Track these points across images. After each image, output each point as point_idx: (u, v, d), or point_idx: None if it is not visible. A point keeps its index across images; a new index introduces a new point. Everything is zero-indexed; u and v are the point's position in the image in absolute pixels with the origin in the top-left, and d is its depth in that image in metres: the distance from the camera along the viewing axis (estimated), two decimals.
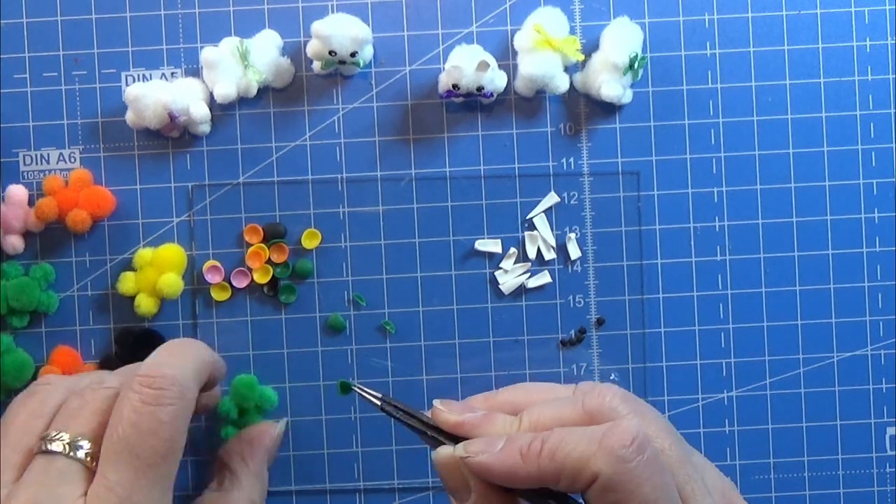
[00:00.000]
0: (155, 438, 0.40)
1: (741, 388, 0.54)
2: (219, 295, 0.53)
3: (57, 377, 0.48)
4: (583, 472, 0.37)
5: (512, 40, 0.52)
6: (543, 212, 0.53)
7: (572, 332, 0.54)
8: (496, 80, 0.52)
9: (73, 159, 0.53)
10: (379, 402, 0.44)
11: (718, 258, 0.54)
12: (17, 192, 0.53)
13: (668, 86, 0.54)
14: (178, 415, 0.41)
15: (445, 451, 0.40)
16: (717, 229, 0.54)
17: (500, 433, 0.40)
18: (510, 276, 0.53)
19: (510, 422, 0.41)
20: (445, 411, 0.42)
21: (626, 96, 0.53)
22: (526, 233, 0.54)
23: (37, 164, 0.53)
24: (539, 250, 0.53)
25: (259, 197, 0.53)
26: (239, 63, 0.52)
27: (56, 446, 0.41)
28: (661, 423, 0.40)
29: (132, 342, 0.52)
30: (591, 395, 0.40)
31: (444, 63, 0.52)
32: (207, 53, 0.51)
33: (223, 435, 0.52)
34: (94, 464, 0.41)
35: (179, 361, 0.43)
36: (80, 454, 0.41)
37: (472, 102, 0.53)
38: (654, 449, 0.38)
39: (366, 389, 0.44)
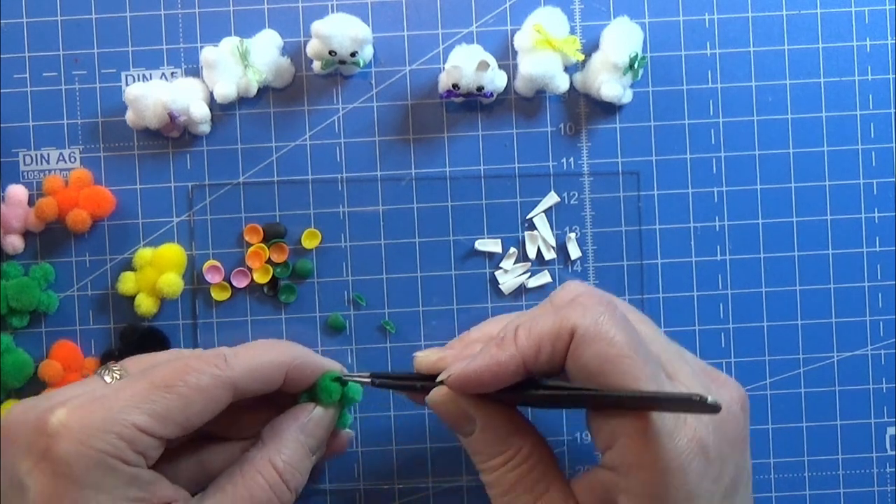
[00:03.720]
0: (184, 384, 0.41)
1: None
2: (219, 295, 0.53)
3: None
4: (560, 333, 0.39)
5: (512, 40, 0.52)
6: (543, 212, 0.53)
7: None
8: (496, 80, 0.52)
9: (73, 159, 0.53)
10: (369, 380, 0.46)
11: (718, 258, 0.54)
12: (17, 192, 0.53)
13: (668, 86, 0.54)
14: (214, 384, 0.42)
15: (436, 390, 0.42)
16: (717, 229, 0.54)
17: None
18: (510, 276, 0.53)
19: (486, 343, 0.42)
20: (423, 356, 0.44)
21: (626, 96, 0.53)
22: (526, 233, 0.54)
23: (37, 164, 0.53)
24: (539, 250, 0.53)
25: (259, 197, 0.53)
26: (239, 63, 0.52)
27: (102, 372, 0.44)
28: (631, 308, 0.44)
29: (136, 339, 0.52)
30: (559, 292, 0.43)
31: (444, 63, 0.52)
32: (207, 53, 0.51)
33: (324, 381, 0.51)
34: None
35: (259, 354, 0.44)
36: (109, 377, 0.44)
37: (472, 102, 0.53)
38: (621, 311, 0.40)
39: (355, 375, 0.47)
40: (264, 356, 0.45)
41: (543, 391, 0.40)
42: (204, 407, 0.42)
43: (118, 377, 0.43)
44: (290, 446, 0.45)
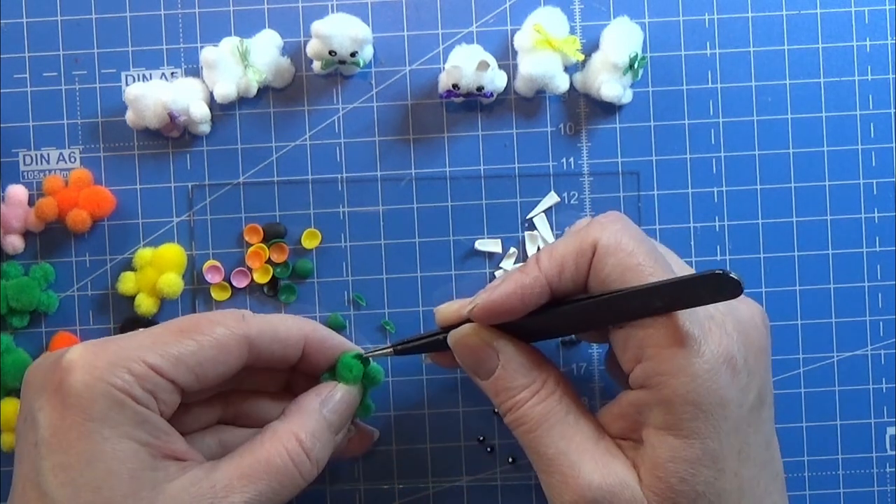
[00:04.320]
0: (199, 333, 0.41)
1: None
2: (219, 295, 0.53)
3: None
4: (582, 249, 0.40)
5: (512, 40, 0.52)
6: (543, 212, 0.53)
7: None
8: (496, 80, 0.52)
9: (73, 159, 0.53)
10: (391, 350, 0.46)
11: (718, 258, 0.54)
12: (17, 192, 0.53)
13: (668, 86, 0.54)
14: (229, 336, 0.42)
15: (459, 328, 0.42)
16: (717, 229, 0.54)
17: None
18: None
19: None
20: (444, 307, 0.44)
21: (626, 96, 0.53)
22: (526, 233, 0.54)
23: (37, 164, 0.53)
24: (539, 250, 0.53)
25: (259, 197, 0.53)
26: (239, 63, 0.52)
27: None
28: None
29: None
30: (576, 223, 0.45)
31: (444, 63, 0.52)
32: (207, 53, 0.51)
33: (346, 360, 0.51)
34: None
35: (277, 320, 0.44)
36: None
37: (472, 102, 0.53)
38: (639, 229, 0.41)
39: (377, 349, 0.47)
40: (283, 321, 0.45)
41: (571, 305, 0.41)
42: (217, 356, 0.41)
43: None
44: (312, 418, 0.44)
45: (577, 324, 0.42)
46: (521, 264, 0.42)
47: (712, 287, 0.37)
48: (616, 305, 0.39)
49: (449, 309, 0.44)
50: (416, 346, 0.46)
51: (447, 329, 0.44)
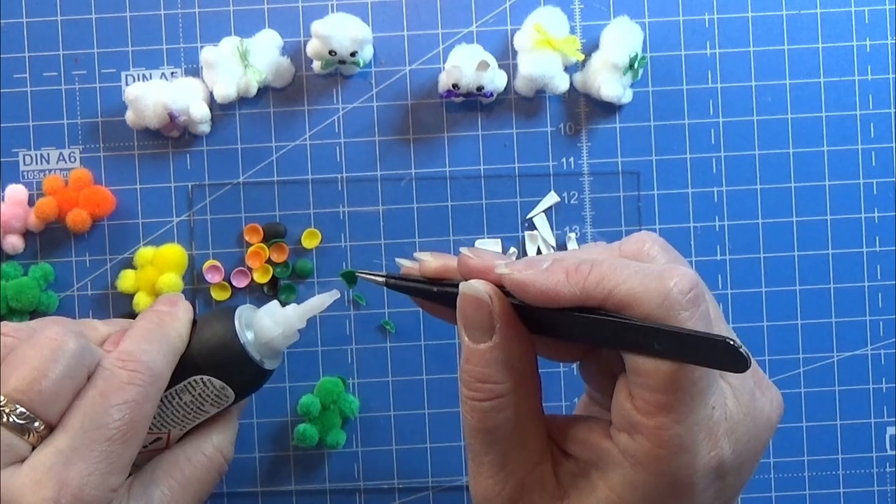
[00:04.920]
0: (118, 416, 0.39)
1: None
2: (219, 294, 0.53)
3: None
4: (629, 309, 0.34)
5: (512, 40, 0.52)
6: (543, 212, 0.53)
7: None
8: (496, 79, 0.52)
9: (73, 159, 0.53)
10: (384, 280, 0.42)
11: (718, 258, 0.54)
12: (17, 192, 0.53)
13: (668, 86, 0.54)
14: (146, 400, 0.40)
15: (476, 282, 0.37)
16: (717, 229, 0.54)
17: None
18: None
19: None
20: (475, 257, 0.38)
21: (626, 96, 0.53)
22: (526, 233, 0.54)
23: (37, 164, 0.53)
24: (539, 250, 0.53)
25: (259, 197, 0.53)
26: (239, 63, 0.52)
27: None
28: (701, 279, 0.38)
29: None
30: (629, 241, 0.38)
31: (444, 63, 0.52)
32: (207, 53, 0.51)
33: (299, 431, 0.52)
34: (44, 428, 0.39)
35: (155, 349, 0.41)
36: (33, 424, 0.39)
37: (472, 102, 0.53)
38: (707, 305, 0.34)
39: (369, 273, 0.43)
40: (174, 343, 0.42)
41: (582, 315, 0.36)
42: (144, 428, 0.40)
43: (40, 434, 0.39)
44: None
45: (582, 335, 0.39)
46: (576, 263, 0.36)
47: (718, 354, 0.33)
48: (621, 331, 0.35)
49: (479, 264, 0.38)
50: (409, 286, 0.42)
51: (438, 282, 0.40)
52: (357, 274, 0.44)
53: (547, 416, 0.39)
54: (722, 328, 0.37)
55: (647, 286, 0.34)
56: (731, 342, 0.33)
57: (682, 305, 0.33)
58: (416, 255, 0.41)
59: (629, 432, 0.35)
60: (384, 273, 0.42)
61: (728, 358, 0.33)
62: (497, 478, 0.37)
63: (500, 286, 0.37)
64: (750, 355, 0.33)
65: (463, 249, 0.39)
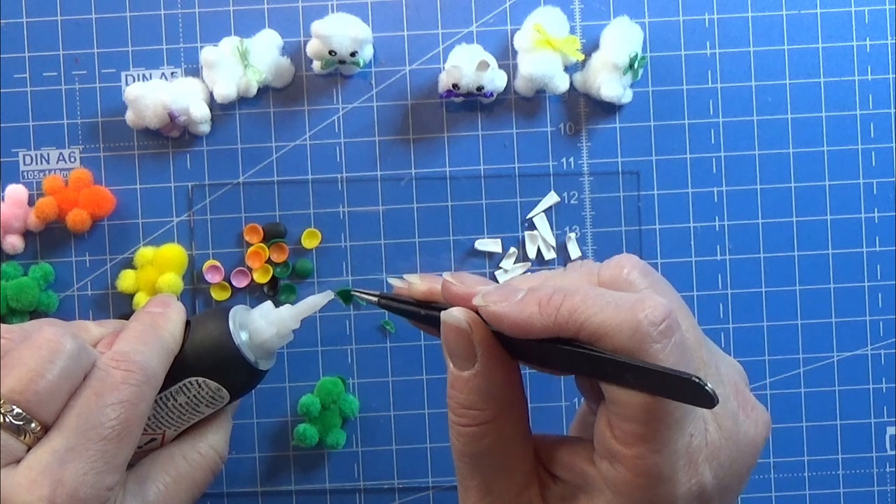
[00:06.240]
0: (113, 415, 0.39)
1: None
2: (219, 295, 0.53)
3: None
4: (602, 341, 0.34)
5: (512, 40, 0.52)
6: (543, 211, 0.53)
7: None
8: (496, 79, 0.52)
9: (73, 159, 0.53)
10: (376, 299, 0.42)
11: (718, 258, 0.54)
12: (17, 192, 0.53)
13: (668, 86, 0.54)
14: (141, 400, 0.40)
15: (457, 311, 0.37)
16: (717, 229, 0.54)
17: None
18: (510, 276, 0.53)
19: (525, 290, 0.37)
20: (457, 284, 0.38)
21: (626, 96, 0.53)
22: (526, 232, 0.54)
23: (37, 164, 0.53)
24: (539, 250, 0.53)
25: (259, 197, 0.53)
26: (239, 63, 0.52)
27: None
28: (680, 302, 0.37)
29: None
30: (608, 266, 0.38)
31: (444, 63, 0.52)
32: (207, 53, 0.51)
33: (299, 431, 0.52)
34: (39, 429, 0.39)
35: (149, 350, 0.41)
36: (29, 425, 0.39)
37: (472, 102, 0.53)
38: (682, 334, 0.34)
39: (364, 291, 0.43)
40: (167, 344, 0.42)
41: (560, 347, 0.36)
42: (139, 428, 0.41)
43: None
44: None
45: (560, 364, 0.39)
46: (549, 295, 0.35)
47: (686, 390, 0.33)
48: (595, 363, 0.35)
49: (460, 290, 0.38)
50: (402, 310, 0.42)
51: (428, 306, 0.40)
52: (352, 293, 0.44)
53: (535, 437, 0.39)
54: (702, 354, 0.36)
55: (618, 318, 0.33)
56: (697, 380, 0.32)
57: (652, 338, 0.33)
58: (406, 276, 0.41)
59: (609, 461, 0.35)
60: (377, 292, 0.43)
61: (695, 394, 0.33)
62: (483, 501, 0.37)
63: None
64: (716, 393, 0.32)
65: (446, 275, 0.39)
